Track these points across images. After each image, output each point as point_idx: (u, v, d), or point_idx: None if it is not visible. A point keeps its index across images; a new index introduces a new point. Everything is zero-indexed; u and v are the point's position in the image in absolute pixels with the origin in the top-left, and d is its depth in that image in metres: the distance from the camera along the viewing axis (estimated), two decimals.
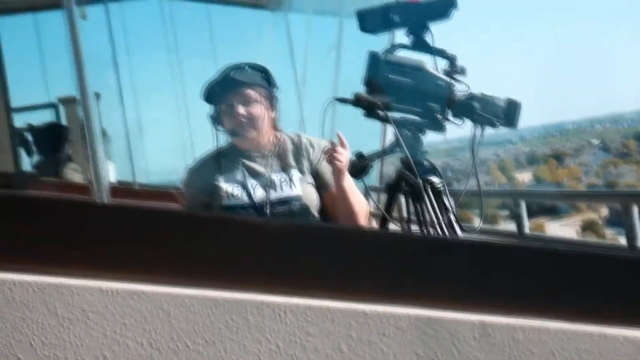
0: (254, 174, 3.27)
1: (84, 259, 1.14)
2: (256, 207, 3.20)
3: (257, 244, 1.14)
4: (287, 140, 3.36)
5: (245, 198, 3.21)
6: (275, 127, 3.38)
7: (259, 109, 3.27)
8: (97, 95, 9.98)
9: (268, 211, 3.19)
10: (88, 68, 2.64)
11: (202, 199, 3.26)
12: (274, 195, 3.23)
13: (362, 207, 3.35)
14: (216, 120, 3.33)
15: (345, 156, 3.25)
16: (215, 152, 3.42)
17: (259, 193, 3.22)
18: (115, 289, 1.12)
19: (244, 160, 3.29)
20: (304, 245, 1.14)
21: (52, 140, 7.62)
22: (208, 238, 1.15)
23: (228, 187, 3.23)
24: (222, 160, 3.32)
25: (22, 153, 8.84)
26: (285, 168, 3.29)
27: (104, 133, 10.05)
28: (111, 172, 9.84)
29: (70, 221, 1.15)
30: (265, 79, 3.35)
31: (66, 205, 1.17)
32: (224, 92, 3.26)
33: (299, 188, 3.25)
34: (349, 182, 3.28)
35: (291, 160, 3.30)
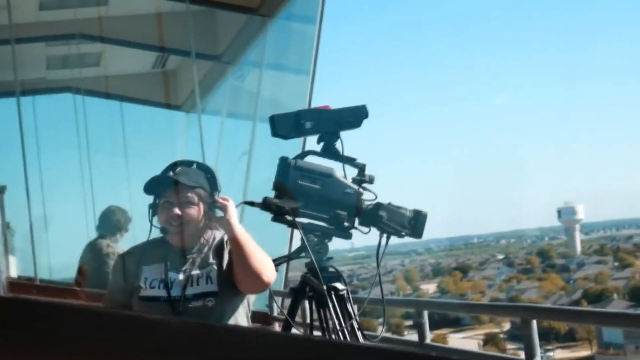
0: (176, 269, 3.25)
1: None
2: (172, 301, 3.19)
3: (151, 342, 1.12)
4: (215, 236, 3.34)
5: (162, 291, 3.21)
6: (208, 225, 3.35)
7: (195, 212, 3.25)
8: (3, 189, 9.81)
9: (182, 306, 3.18)
10: None
11: (124, 284, 3.29)
12: (190, 290, 3.21)
13: (260, 253, 3.25)
14: (153, 211, 3.31)
15: (229, 201, 3.23)
16: (149, 241, 3.40)
17: (176, 287, 3.21)
18: None
19: (170, 254, 3.28)
20: (205, 344, 1.12)
21: None
22: (100, 333, 1.12)
23: (149, 278, 3.24)
24: (150, 251, 3.33)
25: None
26: (205, 265, 3.26)
27: (7, 226, 9.84)
28: (12, 267, 9.59)
29: None
30: (208, 180, 3.33)
31: None
32: (164, 187, 3.27)
33: (216, 284, 3.22)
34: (241, 229, 3.20)
35: (212, 257, 3.28)
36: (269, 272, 3.25)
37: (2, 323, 1.12)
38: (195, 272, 3.25)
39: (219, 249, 3.32)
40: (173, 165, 3.30)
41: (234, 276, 3.24)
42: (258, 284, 3.29)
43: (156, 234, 3.39)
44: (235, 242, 3.19)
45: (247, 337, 1.11)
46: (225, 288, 3.23)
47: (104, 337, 1.12)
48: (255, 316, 7.28)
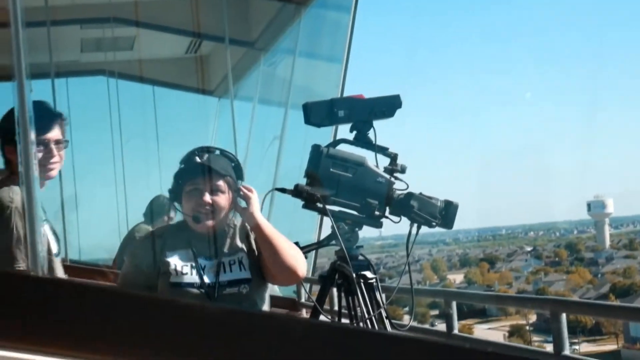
0: (204, 255, 3.23)
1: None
2: (205, 287, 3.16)
3: (186, 327, 1.14)
4: (237, 225, 3.33)
5: (195, 277, 3.17)
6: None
7: (224, 200, 3.23)
8: None
9: (217, 292, 3.16)
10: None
11: (146, 269, 3.23)
12: (223, 277, 3.20)
13: (291, 248, 3.26)
14: (176, 196, 3.28)
15: (253, 192, 3.25)
16: (169, 226, 3.40)
17: (208, 273, 3.19)
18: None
19: (195, 240, 3.24)
20: (236, 328, 1.14)
21: None
22: (133, 314, 1.14)
23: (177, 264, 3.18)
24: (170, 237, 3.28)
25: None
26: (235, 251, 3.26)
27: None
28: None
29: None
30: (234, 169, 3.32)
31: None
32: (193, 173, 3.24)
33: (248, 271, 3.22)
34: (264, 221, 3.22)
35: (240, 244, 3.27)
36: (302, 266, 3.27)
37: (36, 302, 1.14)
38: (226, 258, 3.24)
39: (245, 235, 3.32)
40: (199, 151, 3.27)
41: (265, 269, 3.24)
42: (292, 278, 3.32)
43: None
44: (260, 234, 3.20)
45: (289, 325, 1.13)
46: (256, 275, 3.24)
47: (135, 319, 1.14)
48: (283, 302, 7.33)
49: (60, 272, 3.63)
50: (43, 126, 3.46)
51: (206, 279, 3.18)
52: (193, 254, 3.22)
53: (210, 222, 3.21)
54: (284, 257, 3.19)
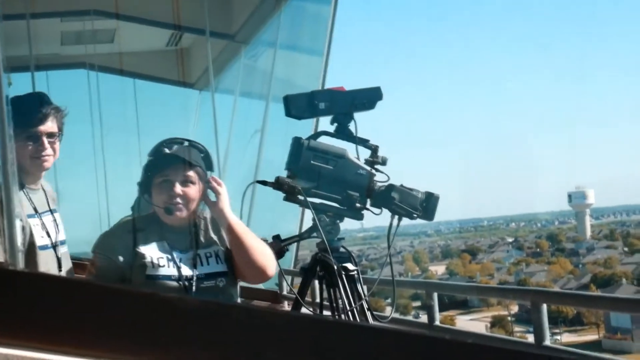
0: (178, 247, 3.20)
1: None
2: (183, 280, 3.13)
3: (166, 320, 1.14)
4: (207, 217, 3.32)
5: (172, 270, 3.13)
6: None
7: (195, 191, 3.20)
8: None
9: (195, 285, 3.13)
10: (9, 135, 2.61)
11: (117, 264, 3.15)
12: (200, 269, 3.17)
13: (261, 246, 3.24)
14: (145, 189, 3.24)
15: (222, 186, 3.24)
16: (134, 219, 3.37)
17: (185, 266, 3.16)
18: (21, 356, 1.10)
19: (167, 232, 3.21)
20: (217, 322, 1.14)
21: None
22: (110, 307, 1.14)
23: (153, 256, 3.14)
24: (142, 229, 3.23)
25: None
26: (210, 244, 3.26)
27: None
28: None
29: None
30: (204, 159, 3.29)
31: None
32: (162, 165, 3.20)
33: (225, 264, 3.21)
34: (234, 217, 3.21)
35: (214, 236, 3.26)
36: (271, 266, 3.26)
37: (15, 297, 1.14)
38: (202, 251, 3.21)
39: (217, 228, 3.30)
40: (167, 142, 3.23)
41: (234, 266, 3.23)
42: (261, 277, 3.30)
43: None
44: (229, 231, 3.19)
45: (271, 317, 1.13)
46: (230, 268, 3.23)
47: (116, 313, 1.14)
48: (265, 294, 7.34)
49: (66, 262, 3.65)
50: (35, 119, 3.46)
51: (183, 272, 3.15)
52: (168, 246, 3.18)
53: (182, 214, 3.18)
54: (253, 256, 3.18)
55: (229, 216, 3.19)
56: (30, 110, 3.50)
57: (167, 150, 3.20)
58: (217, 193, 3.21)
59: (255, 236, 3.25)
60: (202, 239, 3.25)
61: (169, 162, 3.19)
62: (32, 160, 3.49)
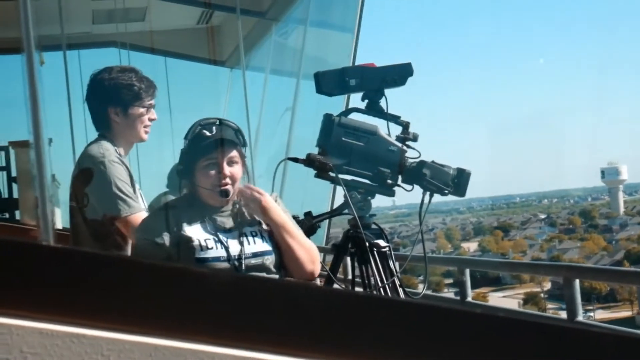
0: (222, 228, 3.18)
1: (24, 300, 1.13)
2: (232, 260, 3.12)
3: (202, 295, 1.15)
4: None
5: (221, 251, 3.12)
6: None
7: (239, 170, 3.20)
8: (50, 141, 9.92)
9: (243, 265, 3.13)
10: (42, 113, 2.62)
11: (163, 248, 3.12)
12: (247, 249, 3.15)
13: (307, 247, 3.26)
14: (187, 173, 3.21)
15: (261, 192, 3.21)
16: (176, 200, 3.36)
17: (232, 246, 3.14)
18: (55, 331, 1.11)
19: (210, 212, 3.19)
20: (251, 298, 1.15)
21: None
22: (151, 286, 1.14)
23: (200, 238, 3.12)
24: (184, 209, 3.21)
25: None
26: (252, 222, 3.23)
27: (53, 178, 9.96)
28: (57, 219, 9.72)
29: (11, 261, 1.14)
30: (239, 138, 3.26)
31: (7, 245, 1.16)
32: (207, 148, 3.16)
33: (270, 242, 3.20)
34: (281, 218, 3.21)
35: (255, 216, 3.25)
36: (318, 269, 3.27)
37: (51, 273, 1.14)
38: (247, 229, 3.21)
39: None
40: (204, 125, 3.20)
41: (285, 264, 3.23)
42: (306, 277, 3.30)
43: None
44: (280, 234, 3.20)
45: (304, 292, 1.13)
46: (274, 247, 3.23)
47: (151, 290, 1.14)
48: None
49: None
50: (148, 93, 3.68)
51: (232, 252, 3.14)
52: (212, 226, 3.17)
53: (230, 195, 3.17)
54: (302, 258, 3.21)
55: (279, 220, 3.20)
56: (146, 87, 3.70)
57: (207, 133, 3.17)
58: (259, 203, 3.20)
59: (302, 235, 3.27)
60: (243, 217, 3.25)
61: (213, 144, 3.17)
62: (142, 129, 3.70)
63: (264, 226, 3.23)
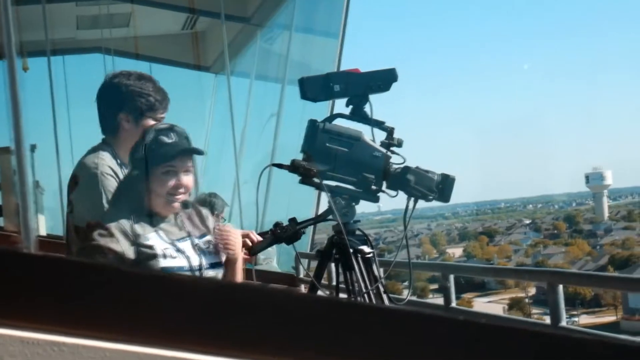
0: (175, 238, 3.11)
1: (6, 308, 1.12)
2: (193, 271, 3.07)
3: (185, 303, 1.14)
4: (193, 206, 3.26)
5: (183, 261, 3.07)
6: None
7: (192, 179, 3.14)
8: (33, 147, 9.90)
9: (203, 275, 3.07)
10: (26, 119, 2.61)
11: (132, 254, 3.01)
12: (205, 259, 3.13)
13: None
14: (143, 178, 3.12)
15: (237, 241, 3.23)
16: (128, 208, 3.20)
17: (192, 257, 3.10)
18: (36, 339, 1.11)
19: (159, 222, 3.12)
20: (235, 305, 1.14)
21: None
22: (133, 293, 1.14)
23: (160, 247, 3.05)
24: (139, 219, 3.09)
25: None
26: (202, 234, 3.19)
27: (37, 184, 9.94)
28: (42, 225, 9.69)
29: None
30: (191, 145, 3.20)
31: None
32: (167, 155, 3.07)
33: (219, 255, 3.19)
34: (239, 272, 3.24)
35: (203, 226, 3.21)
36: None
37: (32, 281, 1.14)
38: (199, 241, 3.16)
39: (203, 218, 3.25)
40: (162, 130, 3.12)
41: None
42: None
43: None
44: (234, 267, 3.22)
45: (286, 299, 1.13)
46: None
47: (134, 297, 1.14)
48: (282, 278, 7.36)
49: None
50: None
51: (192, 262, 3.10)
52: (166, 236, 3.10)
53: (182, 204, 3.12)
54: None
55: (239, 261, 3.23)
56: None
57: (166, 139, 3.08)
58: (230, 242, 3.21)
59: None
60: (194, 228, 3.18)
61: (173, 152, 3.08)
62: None
63: (209, 237, 3.20)
